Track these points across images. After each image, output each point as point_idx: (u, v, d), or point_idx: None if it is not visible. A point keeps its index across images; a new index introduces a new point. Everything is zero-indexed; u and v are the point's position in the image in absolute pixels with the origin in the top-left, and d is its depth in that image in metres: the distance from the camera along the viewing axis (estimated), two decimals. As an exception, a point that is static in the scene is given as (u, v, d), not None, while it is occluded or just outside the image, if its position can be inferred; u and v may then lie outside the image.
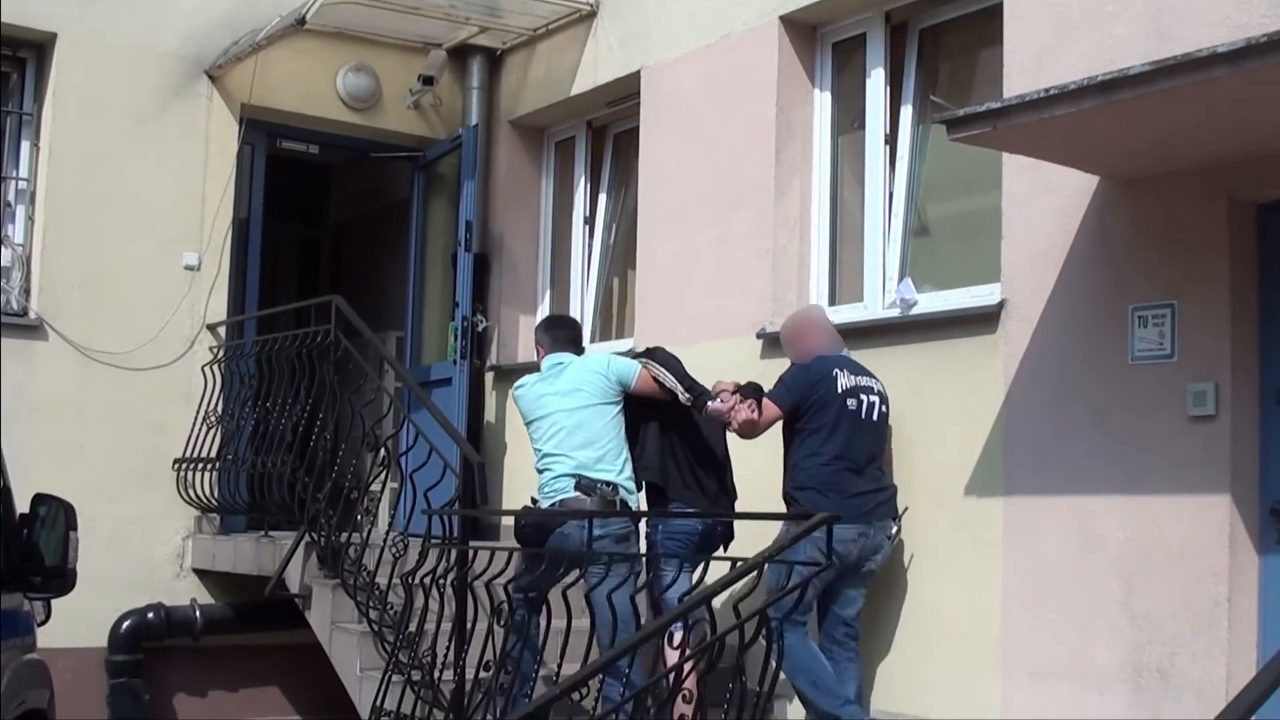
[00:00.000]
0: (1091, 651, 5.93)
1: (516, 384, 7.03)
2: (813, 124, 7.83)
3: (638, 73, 8.76)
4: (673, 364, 6.67)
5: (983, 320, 6.54)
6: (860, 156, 7.60)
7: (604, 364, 6.74)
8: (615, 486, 6.53)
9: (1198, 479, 5.61)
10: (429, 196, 10.43)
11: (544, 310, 9.75)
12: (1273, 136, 5.25)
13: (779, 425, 6.59)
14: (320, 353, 7.99)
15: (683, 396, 6.52)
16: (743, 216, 7.84)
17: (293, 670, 9.17)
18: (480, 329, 9.71)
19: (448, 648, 6.50)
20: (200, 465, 8.95)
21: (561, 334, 7.00)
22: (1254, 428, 5.61)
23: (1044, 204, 6.28)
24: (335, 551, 7.51)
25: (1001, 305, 6.45)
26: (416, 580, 6.62)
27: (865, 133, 7.58)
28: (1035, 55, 6.35)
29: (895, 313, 7.16)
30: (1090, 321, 6.07)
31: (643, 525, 6.76)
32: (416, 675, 6.64)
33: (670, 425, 6.71)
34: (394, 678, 6.69)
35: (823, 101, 7.85)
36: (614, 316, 9.47)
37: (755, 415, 6.37)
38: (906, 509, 6.64)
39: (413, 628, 6.76)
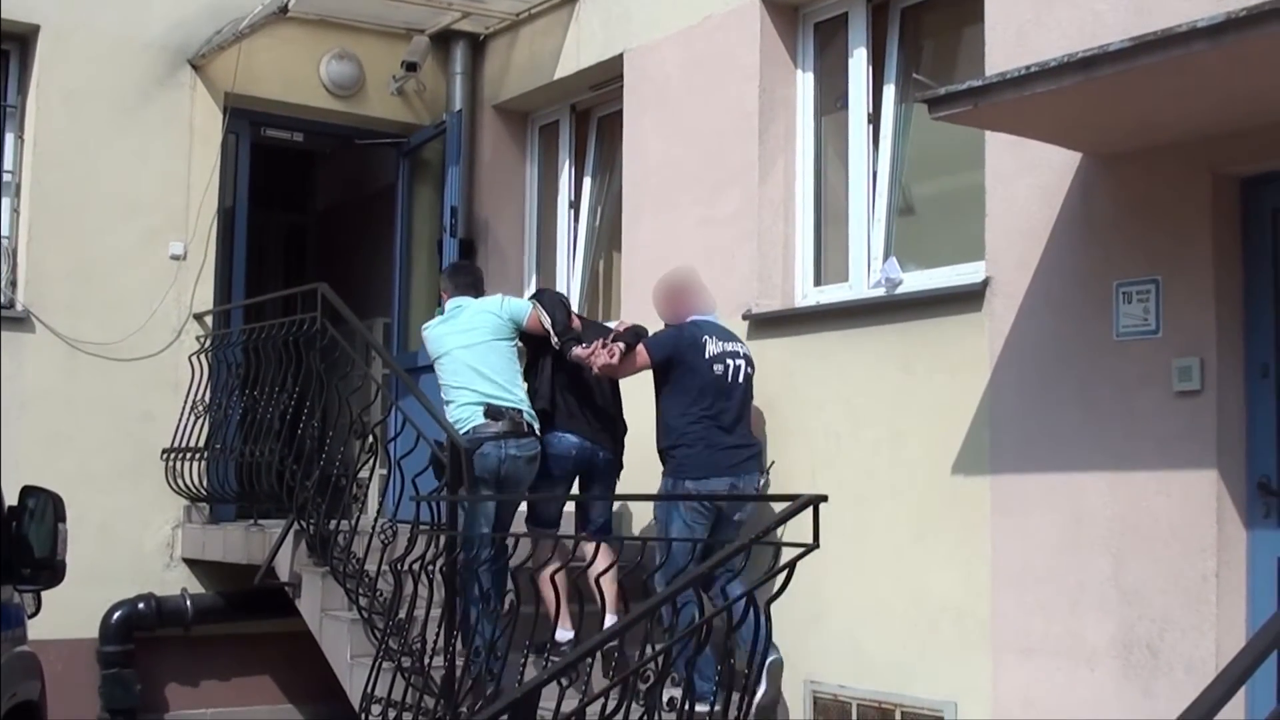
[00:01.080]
0: (1081, 628, 5.94)
1: (424, 326, 7.52)
2: (796, 104, 7.83)
3: (620, 56, 8.74)
4: (556, 306, 7.20)
5: (967, 298, 6.54)
6: (844, 136, 7.60)
7: (498, 304, 7.31)
8: (520, 410, 6.99)
9: (1184, 454, 5.62)
10: (414, 183, 10.41)
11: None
12: (1254, 110, 5.25)
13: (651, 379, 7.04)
14: (307, 341, 7.99)
15: (553, 340, 7.08)
16: (727, 198, 7.83)
17: (284, 658, 9.18)
18: (467, 314, 9.69)
19: (438, 634, 6.53)
20: (189, 455, 8.95)
21: (462, 279, 7.55)
22: (1240, 402, 5.61)
23: (1027, 181, 6.28)
24: (324, 539, 7.52)
25: (986, 283, 6.44)
26: (405, 567, 6.63)
27: (848, 112, 7.57)
28: (1016, 33, 6.34)
29: (880, 292, 7.16)
30: (1075, 298, 6.06)
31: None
32: (407, 662, 6.66)
33: (561, 361, 7.17)
34: (384, 664, 6.71)
35: (805, 82, 7.84)
36: (600, 299, 9.46)
37: (614, 361, 6.87)
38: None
39: (402, 614, 6.77)
